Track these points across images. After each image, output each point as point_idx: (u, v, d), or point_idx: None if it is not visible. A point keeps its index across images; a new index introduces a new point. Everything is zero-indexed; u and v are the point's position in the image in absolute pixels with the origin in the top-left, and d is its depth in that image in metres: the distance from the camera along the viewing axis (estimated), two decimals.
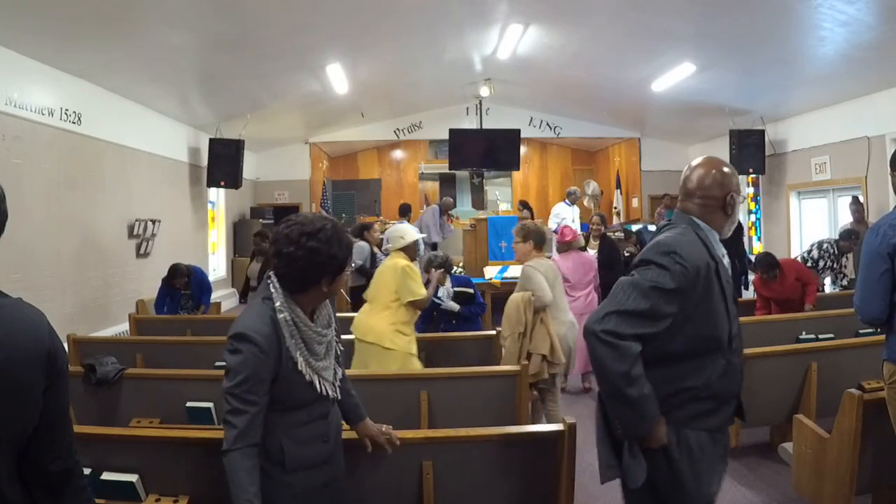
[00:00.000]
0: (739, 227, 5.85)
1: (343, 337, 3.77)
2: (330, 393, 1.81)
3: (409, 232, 4.06)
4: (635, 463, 1.80)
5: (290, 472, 1.73)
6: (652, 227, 9.93)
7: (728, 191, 1.90)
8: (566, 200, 9.08)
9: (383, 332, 3.68)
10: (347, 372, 2.10)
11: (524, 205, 10.81)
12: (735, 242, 5.70)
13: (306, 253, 1.69)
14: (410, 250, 4.01)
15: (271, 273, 1.76)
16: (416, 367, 3.71)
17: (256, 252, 6.67)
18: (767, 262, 5.34)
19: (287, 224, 1.75)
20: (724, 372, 1.82)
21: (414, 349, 3.77)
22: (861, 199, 6.93)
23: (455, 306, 4.73)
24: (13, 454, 1.18)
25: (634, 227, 9.97)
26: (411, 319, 3.83)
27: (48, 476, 1.24)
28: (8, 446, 1.16)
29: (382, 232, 6.56)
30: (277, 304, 1.70)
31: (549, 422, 3.76)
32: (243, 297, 7.47)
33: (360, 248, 6.38)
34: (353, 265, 6.34)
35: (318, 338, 1.77)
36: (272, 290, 1.73)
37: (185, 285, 5.98)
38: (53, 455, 1.24)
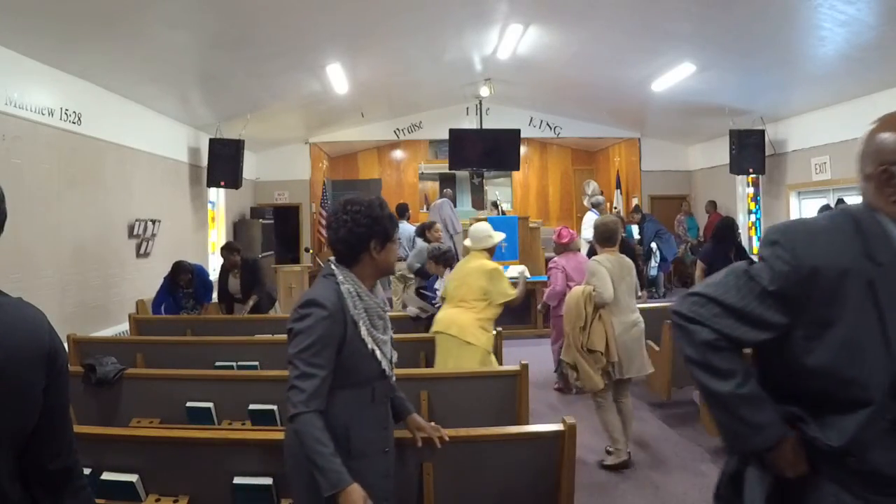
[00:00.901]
0: (734, 224, 5.89)
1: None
2: (387, 370, 1.87)
3: (494, 232, 4.11)
4: (753, 494, 1.34)
5: (354, 458, 1.73)
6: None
7: (882, 162, 1.29)
8: (593, 210, 9.10)
9: (467, 326, 3.73)
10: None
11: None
12: (730, 238, 5.74)
13: (351, 216, 1.87)
14: (492, 249, 4.10)
15: (331, 257, 1.95)
16: (494, 364, 3.75)
17: (229, 266, 6.22)
18: None
19: (336, 201, 2.01)
20: (884, 435, 1.19)
21: (492, 346, 3.83)
22: (847, 200, 6.96)
23: None
24: (13, 453, 1.18)
25: (635, 229, 9.97)
26: (494, 317, 3.89)
27: (48, 475, 1.24)
28: (8, 445, 1.16)
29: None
30: (340, 277, 1.86)
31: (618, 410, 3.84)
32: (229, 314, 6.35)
33: (421, 250, 6.33)
34: (414, 266, 6.33)
35: (378, 310, 1.88)
36: (333, 267, 1.89)
37: (188, 283, 5.97)
38: (53, 454, 1.24)
